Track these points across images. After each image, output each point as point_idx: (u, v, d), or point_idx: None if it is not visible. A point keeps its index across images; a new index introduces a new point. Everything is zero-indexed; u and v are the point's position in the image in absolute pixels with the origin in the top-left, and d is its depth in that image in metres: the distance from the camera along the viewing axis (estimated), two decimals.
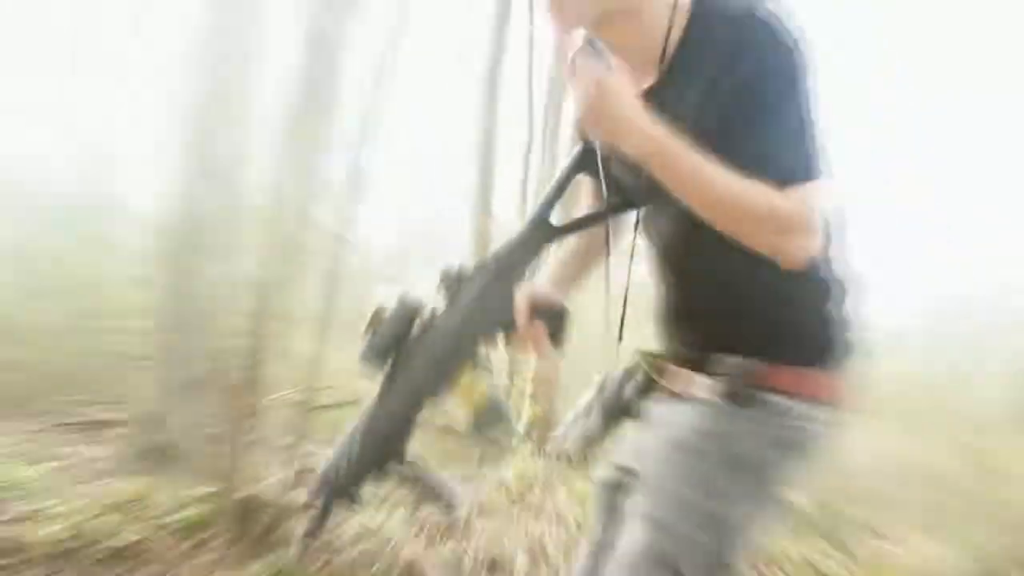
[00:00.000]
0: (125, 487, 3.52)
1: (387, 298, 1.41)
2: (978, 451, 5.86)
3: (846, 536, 4.64)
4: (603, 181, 1.46)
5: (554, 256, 1.61)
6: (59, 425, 6.92)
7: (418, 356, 1.38)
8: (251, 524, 3.14)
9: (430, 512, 3.35)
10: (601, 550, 1.53)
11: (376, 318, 1.37)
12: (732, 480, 1.36)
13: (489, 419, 1.43)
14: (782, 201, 1.26)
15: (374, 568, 3.17)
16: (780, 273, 1.32)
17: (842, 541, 4.56)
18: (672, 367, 1.50)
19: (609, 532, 1.53)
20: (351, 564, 3.16)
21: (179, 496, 3.36)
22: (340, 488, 1.40)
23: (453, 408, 1.42)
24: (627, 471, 1.55)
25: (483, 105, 6.67)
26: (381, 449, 1.40)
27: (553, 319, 1.46)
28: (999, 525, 3.60)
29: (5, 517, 3.04)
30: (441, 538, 3.58)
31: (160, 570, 2.92)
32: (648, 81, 1.37)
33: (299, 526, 1.55)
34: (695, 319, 1.49)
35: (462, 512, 3.16)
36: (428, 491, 1.44)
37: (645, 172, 1.29)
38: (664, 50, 1.33)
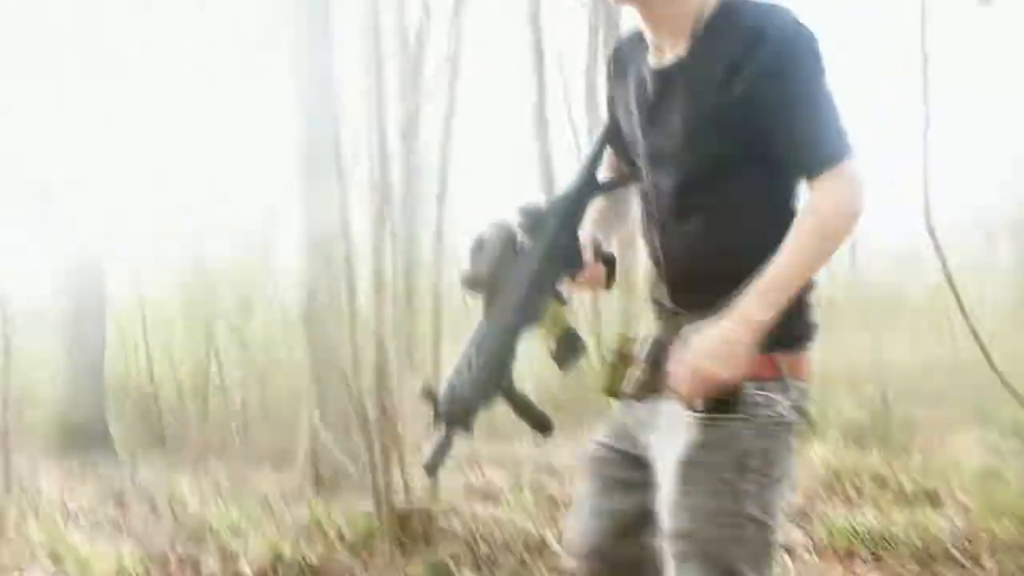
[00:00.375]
0: (306, 513, 4.36)
1: (485, 226, 1.51)
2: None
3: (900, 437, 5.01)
4: (621, 155, 1.67)
5: (593, 210, 1.69)
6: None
7: (511, 286, 1.47)
8: (409, 529, 3.88)
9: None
10: (600, 515, 1.67)
11: (477, 246, 1.48)
12: (744, 479, 1.44)
13: (570, 348, 1.54)
14: (827, 213, 1.43)
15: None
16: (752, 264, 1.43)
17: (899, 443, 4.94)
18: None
19: (605, 499, 1.67)
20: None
21: (349, 515, 4.15)
22: (458, 413, 1.45)
23: (540, 338, 1.53)
24: (616, 450, 1.67)
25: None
26: (491, 372, 1.46)
27: (608, 262, 1.64)
28: None
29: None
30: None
31: None
32: (677, 53, 1.51)
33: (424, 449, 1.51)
34: (684, 292, 1.57)
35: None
36: (529, 413, 1.53)
37: (646, 152, 1.54)
38: (695, 28, 1.47)
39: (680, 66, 1.49)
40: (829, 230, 1.44)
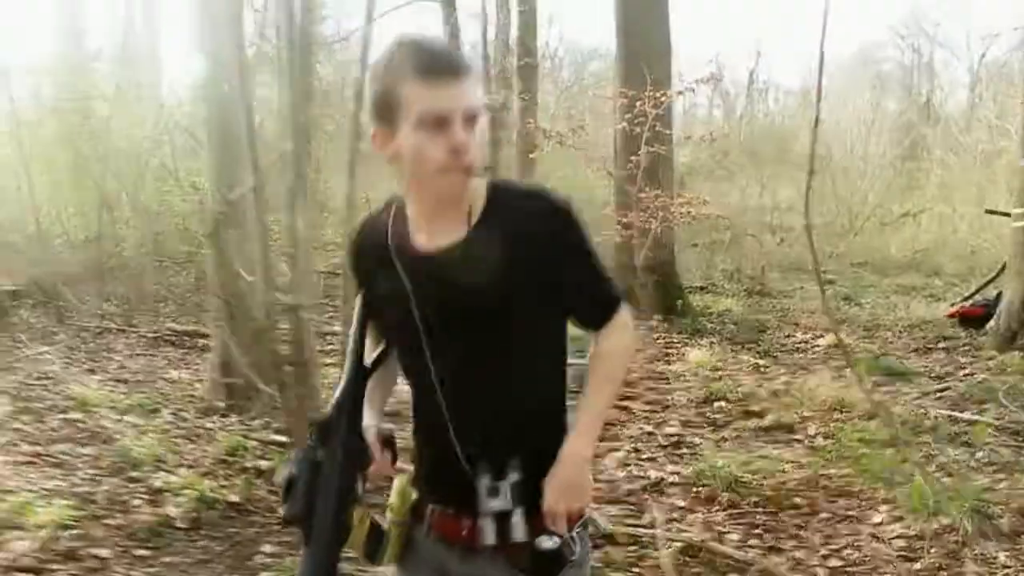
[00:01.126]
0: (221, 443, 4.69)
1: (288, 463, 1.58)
2: None
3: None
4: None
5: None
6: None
7: (321, 511, 1.52)
8: None
9: None
10: None
11: (287, 485, 1.53)
12: None
13: (375, 541, 1.63)
14: (617, 358, 1.65)
15: None
16: (554, 419, 1.62)
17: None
18: (449, 512, 1.64)
19: None
20: None
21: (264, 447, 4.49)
22: None
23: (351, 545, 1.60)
24: None
25: None
26: None
27: (389, 443, 1.69)
28: None
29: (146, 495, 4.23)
30: None
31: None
32: (457, 234, 1.57)
33: None
34: (478, 445, 1.60)
35: None
36: None
37: (429, 327, 1.58)
38: (469, 215, 1.56)
39: (464, 244, 1.55)
40: (620, 372, 1.69)
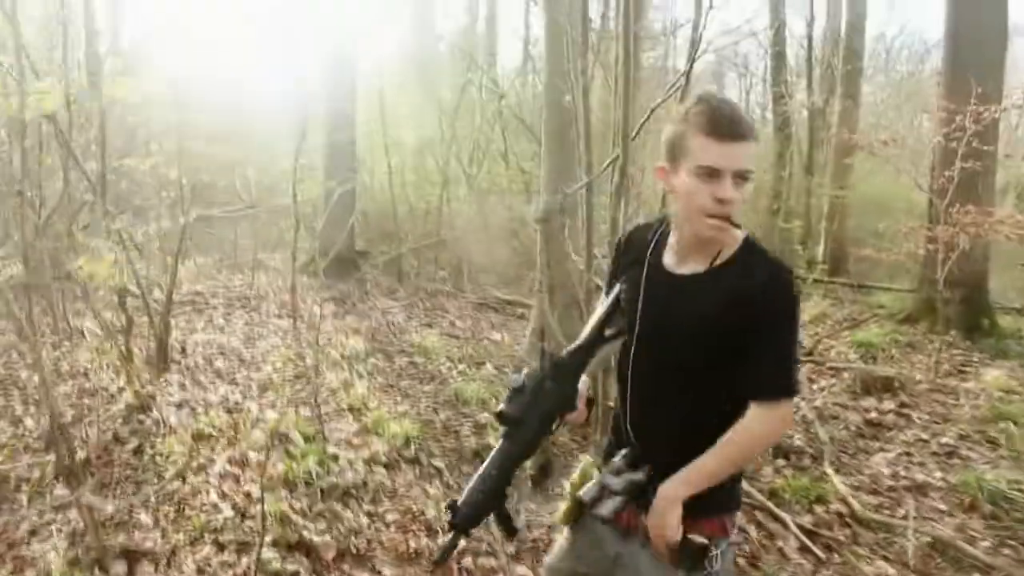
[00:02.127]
0: None
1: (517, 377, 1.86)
2: None
3: None
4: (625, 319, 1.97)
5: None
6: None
7: (528, 425, 1.84)
8: None
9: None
10: None
11: (516, 389, 1.84)
12: None
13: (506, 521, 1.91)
14: (756, 437, 1.84)
15: None
16: (702, 432, 1.82)
17: None
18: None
19: None
20: None
21: None
22: (469, 518, 1.79)
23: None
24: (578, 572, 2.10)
25: None
26: (499, 490, 1.82)
27: (590, 405, 2.00)
28: None
29: (473, 427, 5.18)
30: None
31: None
32: (699, 265, 1.87)
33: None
34: (653, 453, 1.90)
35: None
36: (507, 524, 1.88)
37: (644, 331, 1.91)
38: (715, 258, 1.84)
39: (700, 278, 1.85)
40: (751, 452, 1.93)
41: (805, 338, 8.04)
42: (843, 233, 13.06)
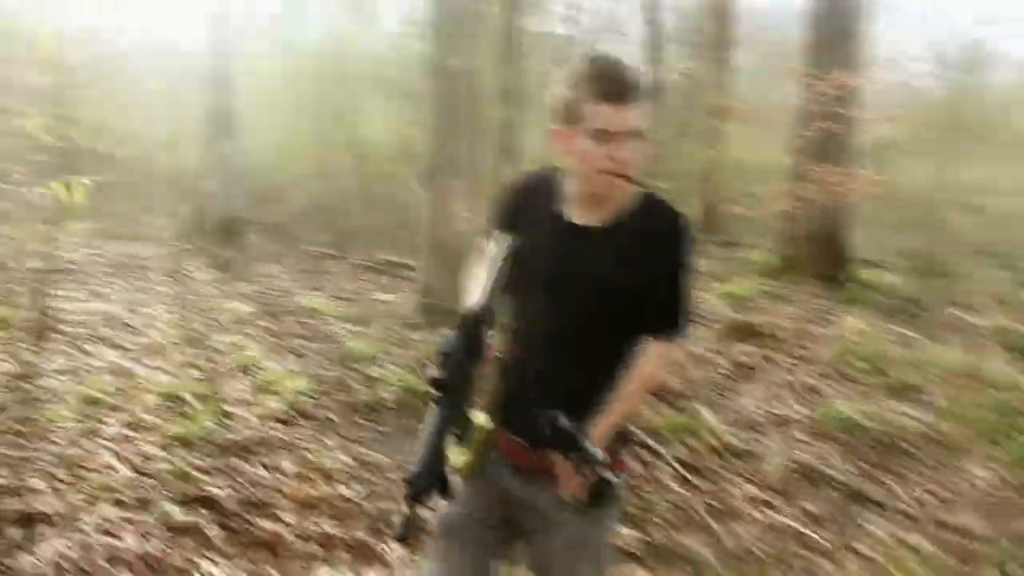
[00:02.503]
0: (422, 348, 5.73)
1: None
2: None
3: None
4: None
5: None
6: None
7: (457, 387, 1.83)
8: None
9: None
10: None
11: (444, 354, 1.82)
12: (606, 544, 2.12)
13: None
14: (655, 369, 1.92)
15: None
16: (614, 373, 1.89)
17: None
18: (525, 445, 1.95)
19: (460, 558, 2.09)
20: None
21: None
22: (419, 489, 1.76)
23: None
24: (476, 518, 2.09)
25: None
26: (442, 456, 1.81)
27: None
28: None
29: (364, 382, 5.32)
30: None
31: None
32: (603, 218, 1.89)
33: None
34: (556, 399, 1.85)
35: None
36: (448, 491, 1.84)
37: (548, 285, 1.90)
38: (616, 208, 1.88)
39: (604, 230, 1.89)
40: (654, 386, 2.02)
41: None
42: (715, 193, 13.64)
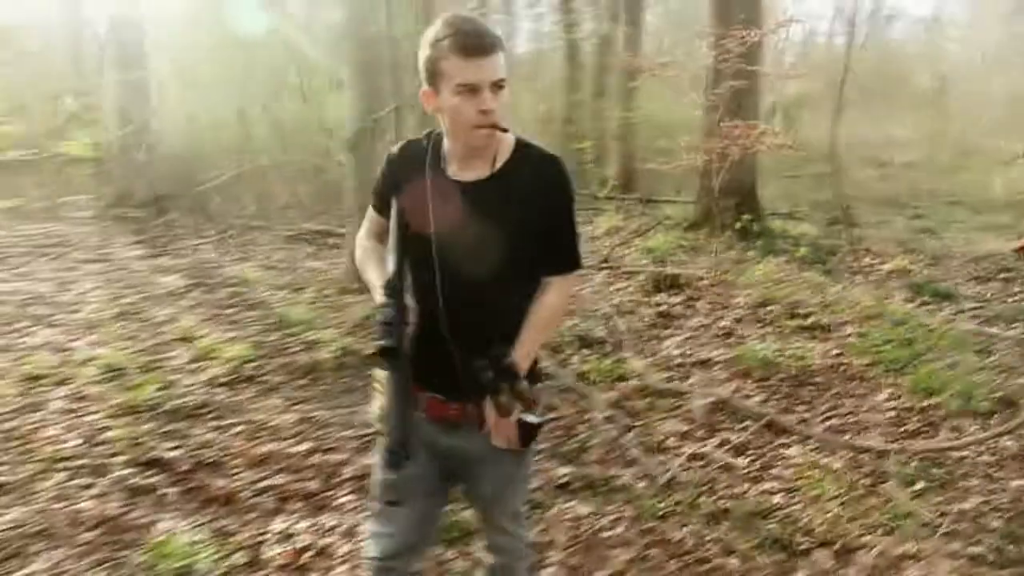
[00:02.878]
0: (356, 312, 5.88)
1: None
2: None
3: None
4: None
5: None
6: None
7: (403, 352, 1.86)
8: None
9: None
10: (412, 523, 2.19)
11: (387, 323, 1.83)
12: (529, 471, 2.30)
13: None
14: (559, 301, 2.05)
15: None
16: (519, 316, 2.00)
17: None
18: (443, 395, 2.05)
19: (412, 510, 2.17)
20: None
21: None
22: (404, 456, 1.85)
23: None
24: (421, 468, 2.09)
25: None
26: (409, 418, 1.88)
27: None
28: None
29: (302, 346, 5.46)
30: None
31: None
32: (480, 172, 1.96)
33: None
34: (471, 351, 1.90)
35: None
36: None
37: (443, 241, 1.93)
38: (494, 161, 1.96)
39: (486, 181, 1.95)
40: (558, 321, 2.20)
41: (601, 248, 8.79)
42: (631, 151, 13.98)
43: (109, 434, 4.10)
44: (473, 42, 1.81)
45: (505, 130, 1.92)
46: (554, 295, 2.03)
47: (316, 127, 12.23)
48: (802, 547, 3.25)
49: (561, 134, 14.53)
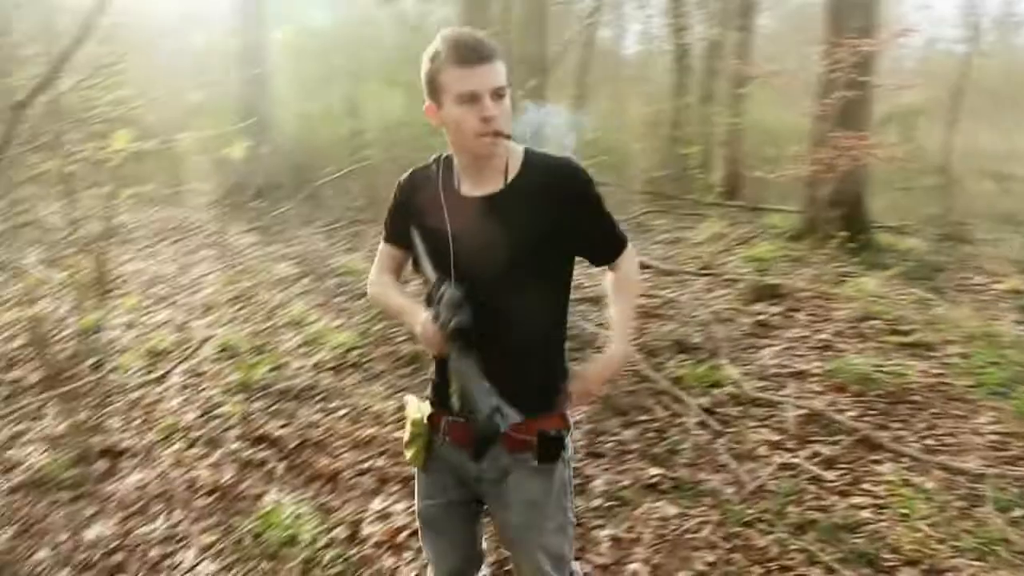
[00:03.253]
0: None
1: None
2: None
3: None
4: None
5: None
6: None
7: (472, 332, 1.87)
8: None
9: None
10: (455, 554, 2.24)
11: (456, 304, 1.83)
12: (566, 502, 2.10)
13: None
14: (635, 281, 2.16)
15: None
16: (558, 341, 2.04)
17: None
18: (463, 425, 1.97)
19: (454, 545, 2.23)
20: None
21: None
22: (500, 426, 1.86)
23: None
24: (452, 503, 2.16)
25: None
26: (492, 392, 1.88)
27: None
28: None
29: (407, 336, 5.65)
30: None
31: None
32: (494, 186, 1.94)
33: None
34: (497, 370, 1.88)
35: None
36: None
37: (468, 258, 1.90)
38: (506, 173, 1.93)
39: (501, 194, 1.93)
40: (637, 290, 2.23)
41: (703, 255, 8.77)
42: (738, 158, 13.83)
43: (223, 409, 4.37)
44: (470, 51, 1.82)
45: (509, 137, 1.89)
46: (621, 270, 2.09)
47: (423, 123, 12.46)
48: (888, 564, 3.25)
49: (668, 138, 14.49)
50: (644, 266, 7.99)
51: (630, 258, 2.12)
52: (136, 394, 4.59)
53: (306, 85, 13.92)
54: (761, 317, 6.42)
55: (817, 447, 4.28)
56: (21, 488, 3.61)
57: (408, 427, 2.09)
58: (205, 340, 5.34)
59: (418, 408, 2.10)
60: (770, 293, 6.95)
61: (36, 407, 4.38)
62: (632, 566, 3.20)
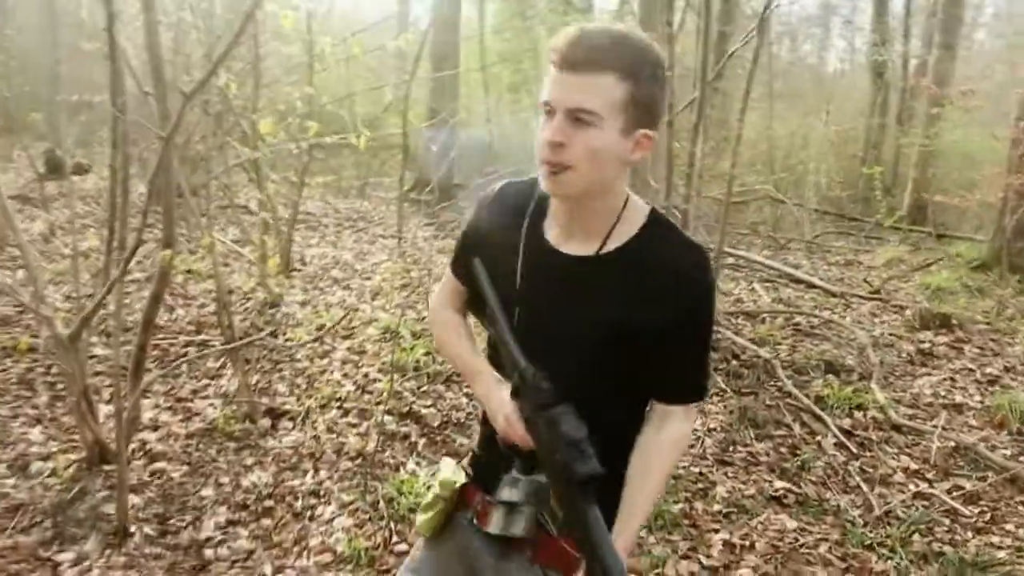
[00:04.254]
0: None
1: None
2: None
3: None
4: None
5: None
6: None
7: None
8: None
9: None
10: None
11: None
12: None
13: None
14: (681, 438, 1.56)
15: None
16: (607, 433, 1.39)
17: None
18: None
19: None
20: None
21: None
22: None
23: None
24: None
25: None
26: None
27: None
28: None
29: None
30: None
31: None
32: (591, 245, 1.46)
33: None
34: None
35: None
36: None
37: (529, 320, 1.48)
38: (608, 235, 1.44)
39: (593, 262, 1.46)
40: (672, 467, 1.61)
41: (875, 279, 8.47)
42: (926, 181, 13.18)
43: (377, 385, 4.71)
44: (567, 50, 1.33)
45: (568, 168, 1.36)
46: (675, 429, 1.55)
47: None
48: None
49: (855, 158, 14.00)
50: (810, 286, 7.85)
51: (692, 418, 1.60)
52: (302, 364, 5.01)
53: (494, 86, 14.43)
54: (925, 345, 6.19)
55: (960, 481, 4.15)
56: (196, 434, 4.07)
57: (435, 488, 1.70)
58: (370, 322, 5.73)
59: (454, 472, 1.71)
60: (940, 322, 6.67)
61: (217, 367, 4.88)
62: (741, 571, 3.26)
